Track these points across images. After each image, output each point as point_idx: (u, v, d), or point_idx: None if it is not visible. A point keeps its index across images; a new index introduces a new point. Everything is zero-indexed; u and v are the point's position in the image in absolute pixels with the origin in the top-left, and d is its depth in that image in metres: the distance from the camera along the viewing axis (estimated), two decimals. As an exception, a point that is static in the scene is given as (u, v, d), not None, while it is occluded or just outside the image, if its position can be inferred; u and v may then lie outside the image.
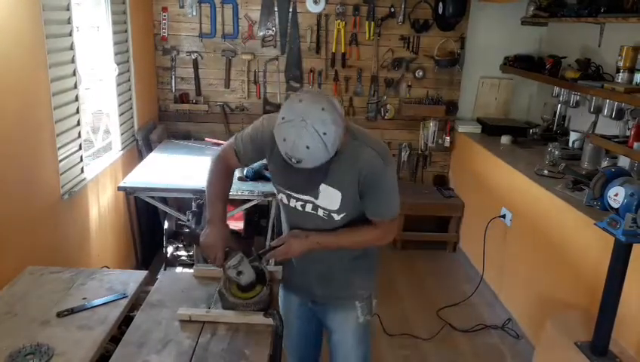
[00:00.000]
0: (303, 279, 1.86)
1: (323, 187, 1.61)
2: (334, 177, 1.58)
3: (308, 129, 1.38)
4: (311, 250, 1.71)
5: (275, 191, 1.81)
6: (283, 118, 1.42)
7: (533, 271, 3.08)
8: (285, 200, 1.75)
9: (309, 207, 1.70)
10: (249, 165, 1.81)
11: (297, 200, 1.71)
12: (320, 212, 1.69)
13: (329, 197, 1.65)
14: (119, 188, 2.97)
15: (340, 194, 1.64)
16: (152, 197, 3.07)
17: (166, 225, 3.51)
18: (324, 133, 1.39)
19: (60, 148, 2.48)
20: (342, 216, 1.69)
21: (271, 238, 3.55)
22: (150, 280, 1.93)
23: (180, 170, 3.22)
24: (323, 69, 4.22)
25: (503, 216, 3.41)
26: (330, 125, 1.40)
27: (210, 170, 1.79)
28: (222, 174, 1.80)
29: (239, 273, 1.64)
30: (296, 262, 1.84)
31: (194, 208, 2.98)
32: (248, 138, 1.72)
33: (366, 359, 1.94)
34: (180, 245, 3.57)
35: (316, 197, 1.66)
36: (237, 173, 3.07)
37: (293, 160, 1.43)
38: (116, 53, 3.27)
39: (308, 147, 1.39)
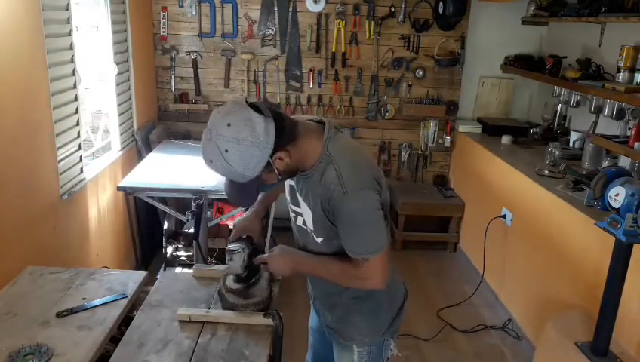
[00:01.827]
0: (316, 301, 1.83)
1: (302, 202, 1.54)
2: (305, 194, 1.51)
3: (211, 143, 1.33)
4: (293, 270, 1.59)
5: None
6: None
7: (533, 271, 3.08)
8: (288, 208, 1.70)
9: (300, 221, 1.61)
10: None
11: (291, 210, 1.65)
12: (307, 228, 1.59)
13: (306, 215, 1.55)
14: (119, 188, 2.96)
15: (311, 213, 1.52)
16: (152, 197, 3.06)
17: (165, 225, 3.51)
18: (226, 151, 1.32)
19: (59, 148, 2.48)
20: (321, 239, 1.56)
21: (271, 237, 3.55)
22: (150, 281, 1.93)
23: (180, 170, 3.21)
24: (323, 69, 4.22)
25: (504, 216, 3.40)
26: (233, 143, 1.31)
27: None
28: None
29: (231, 259, 1.64)
30: (310, 284, 1.82)
31: (193, 208, 2.98)
32: None
33: None
34: (180, 245, 3.57)
35: (302, 212, 1.58)
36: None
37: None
38: (115, 53, 3.27)
39: (211, 161, 1.35)
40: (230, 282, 1.69)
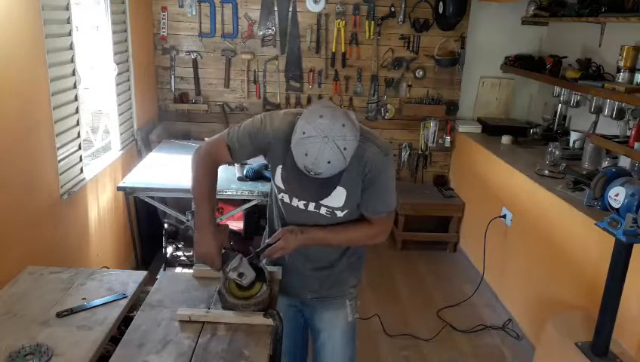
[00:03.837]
0: (298, 279, 1.86)
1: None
2: (340, 174, 1.59)
3: (330, 145, 1.41)
4: (305, 246, 1.71)
5: (276, 191, 1.78)
6: (304, 133, 1.43)
7: (533, 271, 3.08)
8: (287, 199, 1.73)
9: (311, 206, 1.70)
10: (241, 162, 1.74)
11: (299, 202, 1.71)
12: (323, 210, 1.70)
13: (334, 196, 1.64)
14: (119, 188, 2.96)
15: (345, 191, 1.64)
16: (152, 197, 3.06)
17: (166, 225, 3.51)
18: (345, 148, 1.43)
19: (59, 148, 2.48)
20: (345, 212, 1.70)
21: (266, 236, 3.54)
22: (150, 281, 1.93)
23: (180, 169, 3.21)
24: (323, 69, 4.22)
25: (504, 216, 3.40)
26: (350, 140, 1.44)
27: (195, 167, 1.69)
28: (210, 171, 1.70)
29: (240, 274, 1.63)
30: (291, 262, 1.83)
31: (193, 208, 2.97)
32: (247, 135, 1.66)
33: (352, 360, 1.92)
34: (180, 245, 3.57)
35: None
36: (237, 173, 3.07)
37: (311, 173, 1.46)
38: (115, 53, 3.27)
39: (329, 162, 1.43)
40: (236, 291, 1.66)
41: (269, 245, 1.70)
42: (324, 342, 1.91)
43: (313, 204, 1.69)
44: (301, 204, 1.71)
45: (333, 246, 1.77)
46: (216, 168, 1.73)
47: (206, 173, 1.69)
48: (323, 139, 1.41)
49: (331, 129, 1.41)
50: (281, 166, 1.65)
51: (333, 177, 1.50)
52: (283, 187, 1.69)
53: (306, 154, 1.42)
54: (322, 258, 1.81)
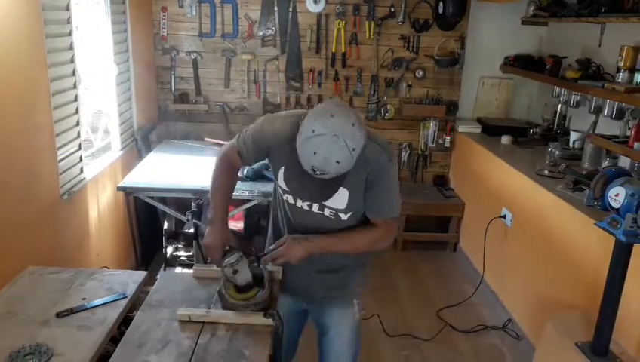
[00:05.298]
0: (304, 281, 1.85)
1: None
2: (343, 175, 1.58)
3: (340, 144, 1.39)
4: (312, 254, 1.69)
5: (280, 192, 1.78)
6: (313, 132, 1.40)
7: (533, 271, 3.08)
8: (291, 200, 1.73)
9: (315, 207, 1.70)
10: (253, 164, 1.78)
11: (304, 204, 1.71)
12: (326, 212, 1.69)
13: (337, 197, 1.64)
14: (119, 188, 2.96)
15: (348, 192, 1.63)
16: (152, 197, 3.07)
17: (165, 225, 3.51)
18: (353, 149, 1.42)
19: (59, 148, 2.48)
20: (349, 215, 1.69)
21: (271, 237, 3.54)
22: (150, 281, 1.93)
23: (180, 170, 3.22)
24: (323, 69, 4.22)
25: (504, 217, 3.40)
26: (359, 140, 1.43)
27: (215, 169, 1.79)
28: (226, 173, 1.79)
29: (235, 271, 1.63)
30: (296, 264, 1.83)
31: (193, 208, 2.98)
32: (250, 139, 1.71)
33: (356, 357, 1.95)
34: (180, 245, 3.56)
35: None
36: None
37: (317, 172, 1.44)
38: (116, 53, 3.27)
39: (338, 161, 1.41)
40: (234, 293, 1.66)
41: (272, 251, 1.70)
42: (333, 337, 1.92)
43: (317, 205, 1.68)
44: (305, 205, 1.71)
45: (339, 253, 1.74)
46: (233, 170, 1.81)
47: (223, 173, 1.78)
48: (333, 138, 1.39)
49: (342, 127, 1.39)
50: (284, 167, 1.66)
51: (338, 178, 1.49)
52: (287, 188, 1.70)
53: (315, 153, 1.40)
54: (325, 261, 1.78)
